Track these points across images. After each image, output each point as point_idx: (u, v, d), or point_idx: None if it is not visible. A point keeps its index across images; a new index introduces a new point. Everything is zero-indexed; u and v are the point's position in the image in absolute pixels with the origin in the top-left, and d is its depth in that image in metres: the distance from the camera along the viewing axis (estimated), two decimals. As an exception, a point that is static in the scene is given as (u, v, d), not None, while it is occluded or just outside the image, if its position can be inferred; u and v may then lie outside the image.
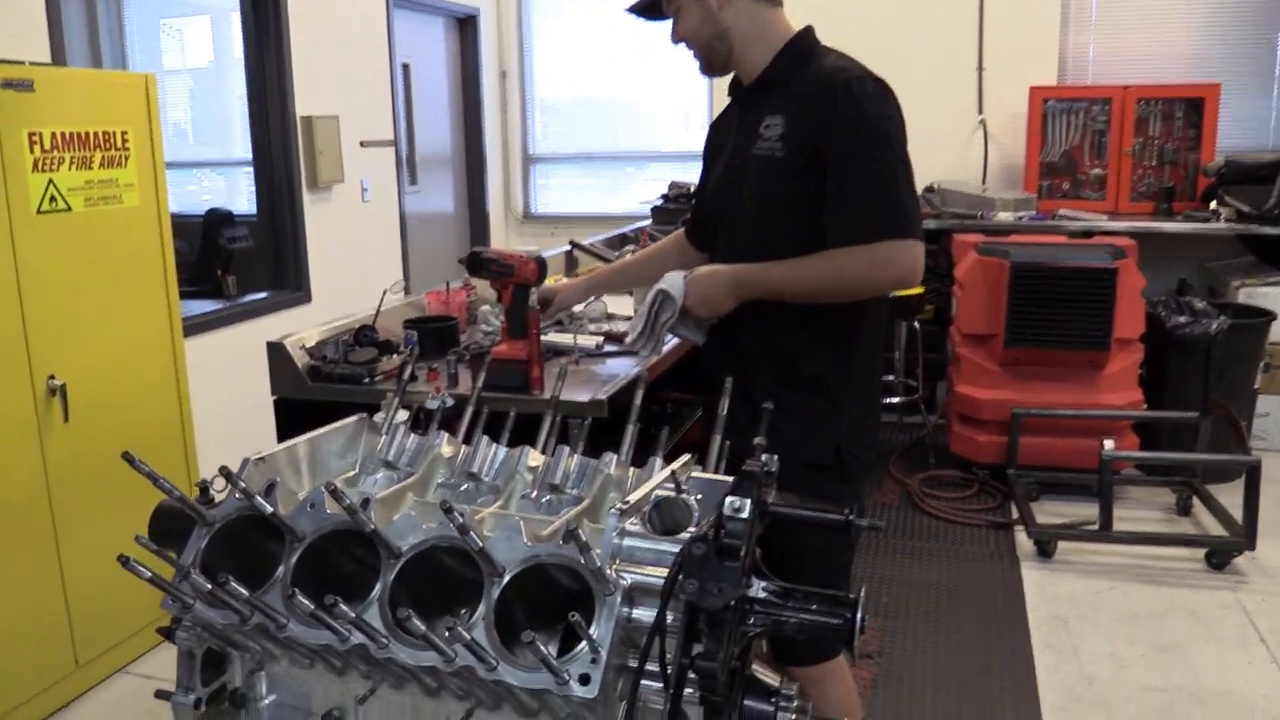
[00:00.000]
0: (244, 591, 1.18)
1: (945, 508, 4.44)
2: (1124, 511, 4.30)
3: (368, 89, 5.45)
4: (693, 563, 1.15)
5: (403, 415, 2.00)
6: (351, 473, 1.63)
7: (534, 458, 1.60)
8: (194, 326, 4.20)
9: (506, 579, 1.22)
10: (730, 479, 1.44)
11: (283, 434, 2.22)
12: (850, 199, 1.78)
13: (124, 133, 3.08)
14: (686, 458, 1.51)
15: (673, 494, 1.30)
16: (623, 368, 2.28)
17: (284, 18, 4.68)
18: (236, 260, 5.49)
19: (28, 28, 3.40)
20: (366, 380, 2.13)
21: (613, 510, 1.24)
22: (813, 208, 1.82)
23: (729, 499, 1.22)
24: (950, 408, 4.94)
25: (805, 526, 1.36)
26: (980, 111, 6.14)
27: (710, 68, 1.98)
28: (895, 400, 5.25)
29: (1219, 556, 3.87)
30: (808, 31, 1.95)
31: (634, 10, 2.02)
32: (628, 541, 1.25)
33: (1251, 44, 5.85)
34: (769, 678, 1.32)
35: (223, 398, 3.93)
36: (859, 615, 1.26)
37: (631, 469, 1.57)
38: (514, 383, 2.01)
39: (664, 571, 1.22)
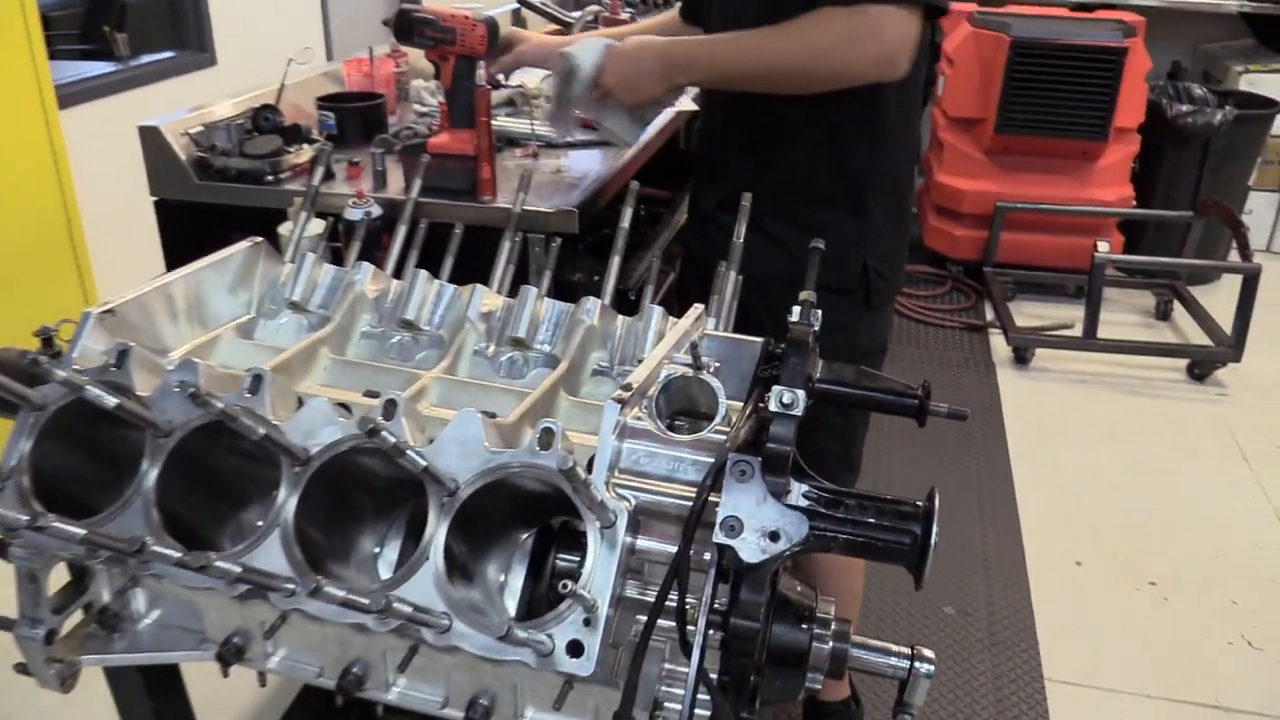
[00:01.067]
0: (76, 531, 0.80)
1: (916, 307, 4.16)
2: (1101, 315, 4.06)
3: None
4: (737, 489, 0.80)
5: (317, 227, 1.59)
6: (245, 317, 1.22)
7: (489, 299, 1.21)
8: (75, 95, 3.57)
9: (461, 499, 0.87)
10: (752, 339, 1.08)
11: (169, 246, 1.78)
12: None
13: None
14: (699, 310, 1.13)
15: (689, 370, 0.94)
16: (593, 164, 1.84)
17: None
18: (131, 14, 4.75)
19: None
20: (269, 178, 1.68)
21: (611, 398, 0.87)
22: None
23: (778, 390, 0.86)
24: (925, 198, 4.57)
25: (873, 408, 1.01)
26: None
27: None
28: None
29: (1202, 367, 3.68)
30: None
31: None
32: (631, 445, 0.90)
33: None
34: (800, 594, 1.00)
35: (118, 183, 3.39)
36: (932, 532, 0.95)
37: (620, 317, 1.20)
38: (457, 184, 1.58)
39: (680, 490, 0.87)
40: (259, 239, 1.25)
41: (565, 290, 1.31)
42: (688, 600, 0.84)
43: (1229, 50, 5.10)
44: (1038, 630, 2.42)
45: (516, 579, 0.98)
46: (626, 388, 0.91)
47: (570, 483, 0.83)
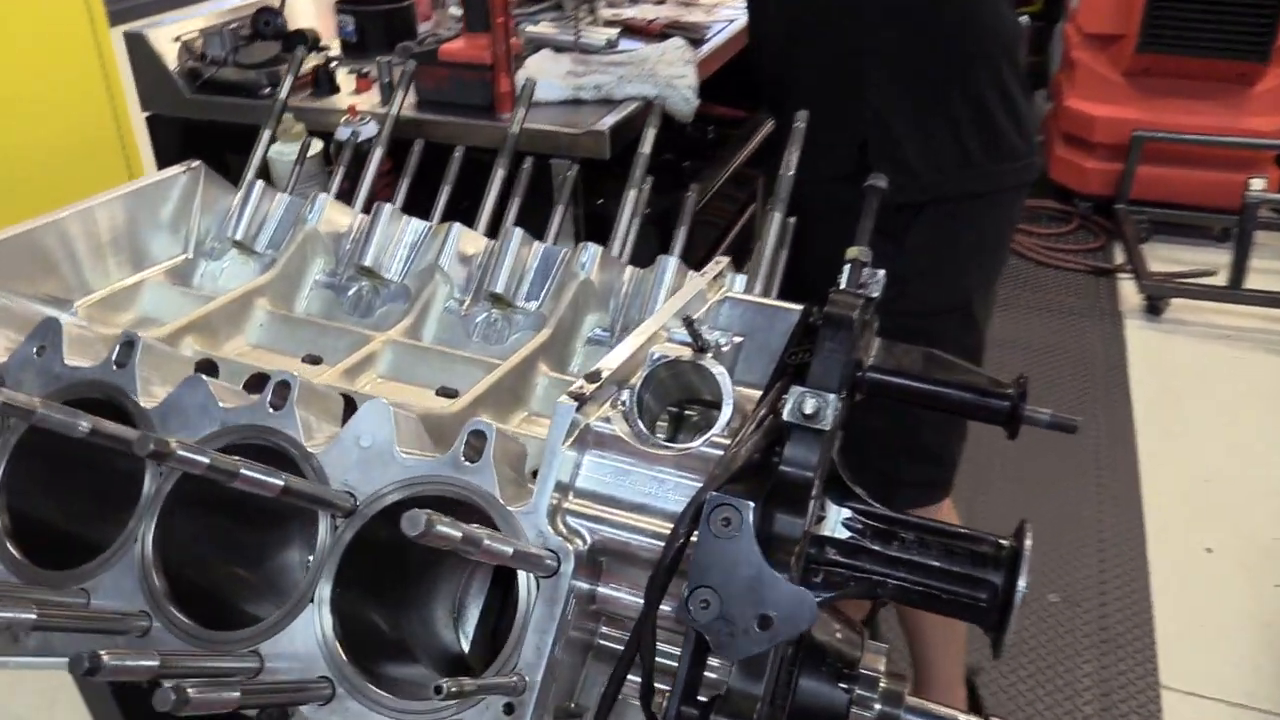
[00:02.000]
0: None
1: (1036, 246, 3.76)
2: (1252, 263, 3.60)
3: None
4: (711, 546, 0.55)
5: (316, 147, 1.37)
6: (180, 258, 1.01)
7: (470, 241, 0.97)
8: (125, 12, 3.43)
9: (360, 521, 0.64)
10: (789, 307, 0.81)
11: (165, 160, 1.58)
12: None
13: None
14: (722, 263, 0.86)
15: (687, 353, 0.68)
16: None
17: None
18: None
19: None
20: (265, 90, 1.45)
21: (564, 397, 0.63)
22: None
23: (799, 394, 0.60)
24: (1053, 124, 4.12)
25: (936, 409, 0.74)
26: None
27: None
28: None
29: (1372, 323, 3.21)
30: None
31: None
32: (596, 458, 0.65)
33: None
34: (840, 639, 0.74)
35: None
36: (1018, 585, 0.68)
37: (630, 270, 0.94)
38: (472, 99, 1.34)
39: (656, 526, 0.63)
40: (198, 163, 1.02)
41: (599, 228, 1.06)
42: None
43: None
44: (1156, 627, 2.11)
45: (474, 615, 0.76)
46: (593, 376, 0.66)
47: (496, 513, 0.59)
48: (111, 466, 0.70)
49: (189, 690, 0.48)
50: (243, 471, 0.56)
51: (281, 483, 0.58)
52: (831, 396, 0.61)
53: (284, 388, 0.68)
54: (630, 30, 1.77)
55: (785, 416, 0.60)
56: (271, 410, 0.68)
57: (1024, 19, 3.52)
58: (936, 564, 0.68)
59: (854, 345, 0.67)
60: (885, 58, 1.30)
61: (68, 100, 2.60)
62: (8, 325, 0.78)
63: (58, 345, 0.74)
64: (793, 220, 1.00)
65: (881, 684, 0.71)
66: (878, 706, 0.69)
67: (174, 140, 1.55)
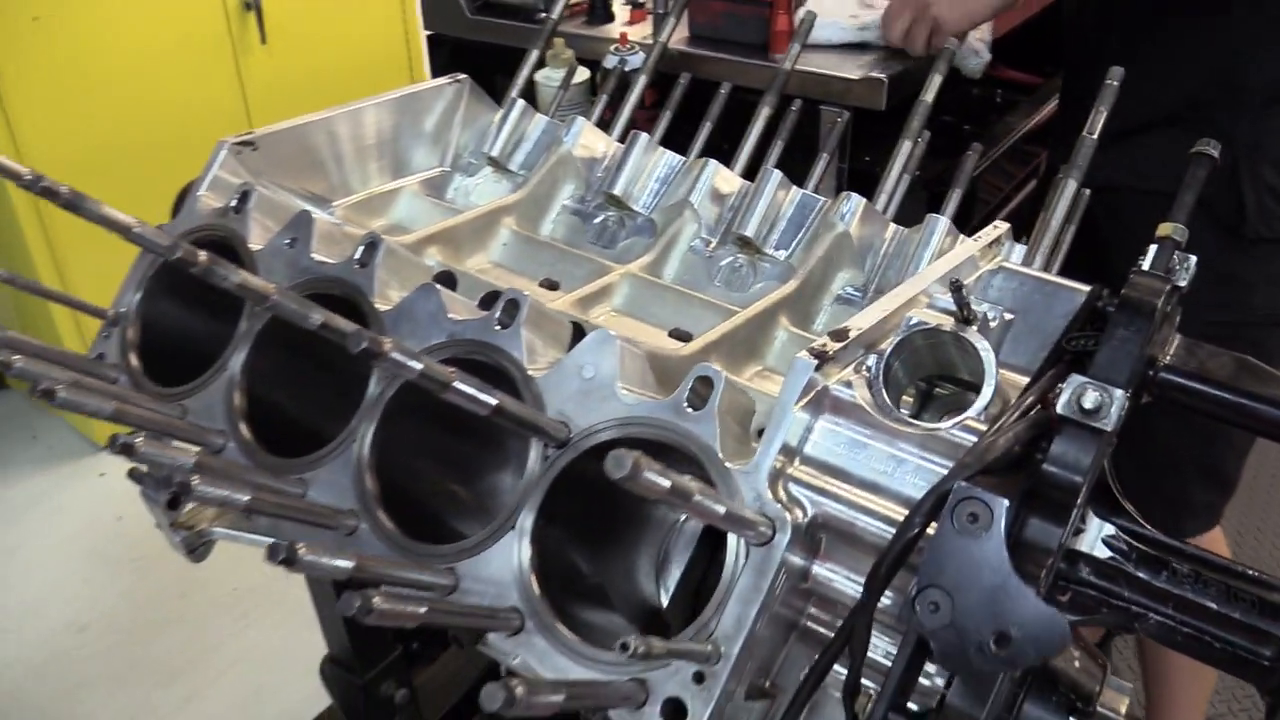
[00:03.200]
0: (152, 415, 0.64)
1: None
2: None
3: None
4: (951, 542, 0.47)
5: (582, 75, 1.36)
6: (435, 171, 1.01)
7: (724, 180, 0.91)
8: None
9: (569, 458, 0.61)
10: (1074, 286, 0.70)
11: (442, 82, 1.62)
12: None
13: None
14: (1001, 228, 0.76)
15: (949, 323, 0.60)
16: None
17: None
18: None
19: None
20: (541, 15, 1.45)
21: (803, 353, 0.57)
22: None
23: (1078, 383, 0.51)
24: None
25: (1239, 427, 0.63)
26: None
27: None
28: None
29: None
30: None
31: None
32: (831, 424, 0.58)
33: None
34: (1077, 668, 0.64)
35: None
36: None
37: (894, 228, 0.86)
38: (746, 36, 1.27)
39: (887, 509, 0.56)
40: (462, 76, 1.02)
41: (864, 186, 0.98)
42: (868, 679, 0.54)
43: None
44: None
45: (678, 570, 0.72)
46: (839, 334, 0.59)
47: (713, 468, 0.55)
48: (342, 365, 0.70)
49: (375, 599, 0.47)
50: (455, 385, 0.54)
51: (494, 402, 0.56)
52: (1118, 393, 0.52)
53: (513, 306, 0.66)
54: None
55: (1059, 409, 0.52)
56: (498, 328, 0.66)
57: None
58: (1213, 606, 0.58)
59: (1150, 337, 0.57)
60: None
61: (371, 20, 2.76)
62: (269, 216, 0.80)
63: (308, 239, 0.76)
64: (1086, 192, 0.88)
65: (1121, 729, 0.61)
66: (1113, 759, 0.60)
67: (450, 60, 1.59)
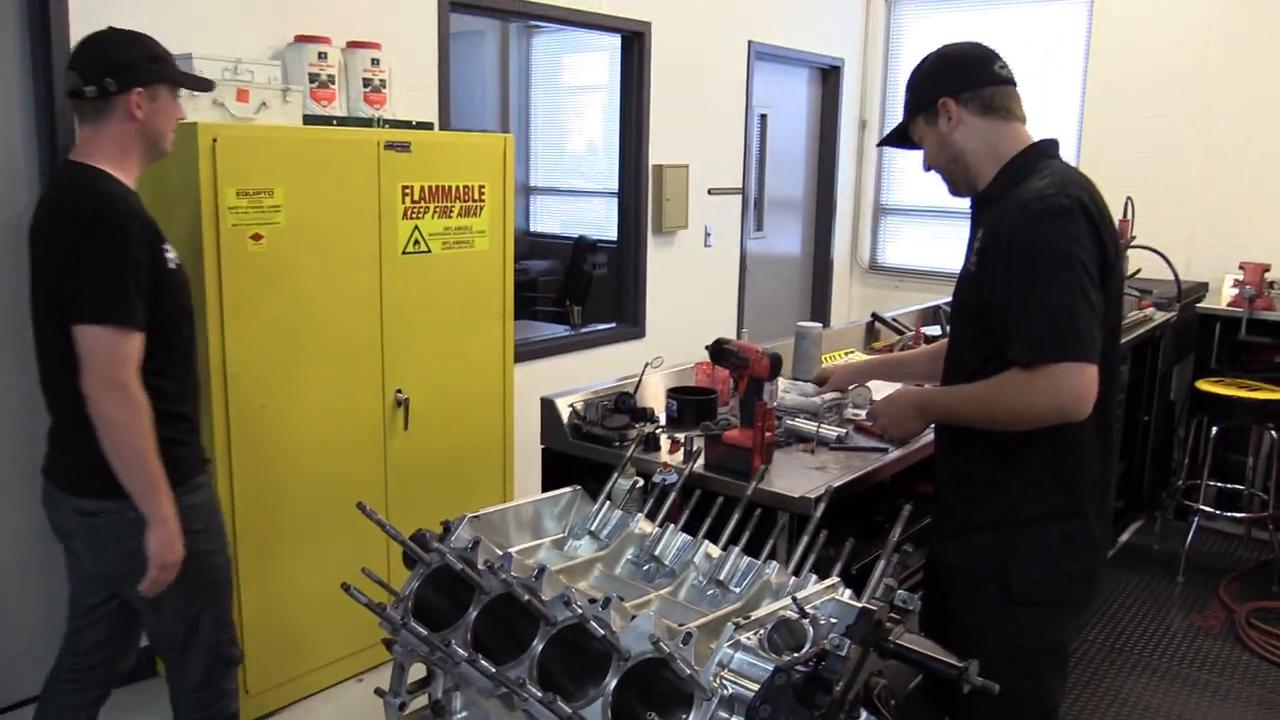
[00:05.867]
0: (421, 630, 1.46)
1: (1270, 647, 3.95)
2: None
3: (722, 137, 5.79)
4: (773, 691, 1.26)
5: (633, 482, 2.24)
6: (561, 535, 1.88)
7: (712, 550, 1.76)
8: (538, 352, 4.75)
9: (629, 664, 1.40)
10: (858, 606, 1.51)
11: (547, 475, 2.54)
12: (1018, 321, 1.79)
13: (481, 186, 3.59)
14: (835, 580, 1.59)
15: (794, 616, 1.41)
16: (860, 463, 2.34)
17: (646, 74, 5.12)
18: (594, 283, 6.09)
19: (425, 80, 4.04)
20: (616, 444, 2.39)
21: (731, 622, 1.38)
22: (995, 324, 1.86)
23: (832, 635, 1.32)
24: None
25: (920, 669, 1.41)
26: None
27: (955, 188, 2.03)
28: (1242, 515, 4.75)
29: None
30: (1039, 146, 1.95)
31: (887, 143, 2.13)
32: (739, 654, 1.39)
33: None
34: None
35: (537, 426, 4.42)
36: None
37: (793, 578, 1.69)
38: (736, 467, 2.17)
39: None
40: (578, 487, 1.92)
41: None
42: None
43: None
44: None
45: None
46: (745, 617, 1.41)
47: (683, 662, 1.35)
48: (518, 623, 1.52)
49: None
50: (592, 623, 1.36)
51: (601, 633, 1.37)
52: (847, 641, 1.31)
53: (606, 603, 1.48)
54: (860, 430, 2.57)
55: (826, 645, 1.31)
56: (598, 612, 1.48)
57: None
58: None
59: (871, 626, 1.37)
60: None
61: (480, 413, 3.76)
62: (485, 553, 1.65)
63: (509, 567, 1.60)
64: (896, 555, 1.71)
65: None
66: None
67: (555, 462, 2.51)
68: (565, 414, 2.50)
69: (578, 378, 4.79)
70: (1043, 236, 1.78)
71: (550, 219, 7.79)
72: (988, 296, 1.87)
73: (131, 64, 2.12)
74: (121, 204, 2.06)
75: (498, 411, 3.85)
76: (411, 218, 3.37)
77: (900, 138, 2.09)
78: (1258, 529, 4.87)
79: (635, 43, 5.09)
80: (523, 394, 3.95)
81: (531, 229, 7.75)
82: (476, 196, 3.58)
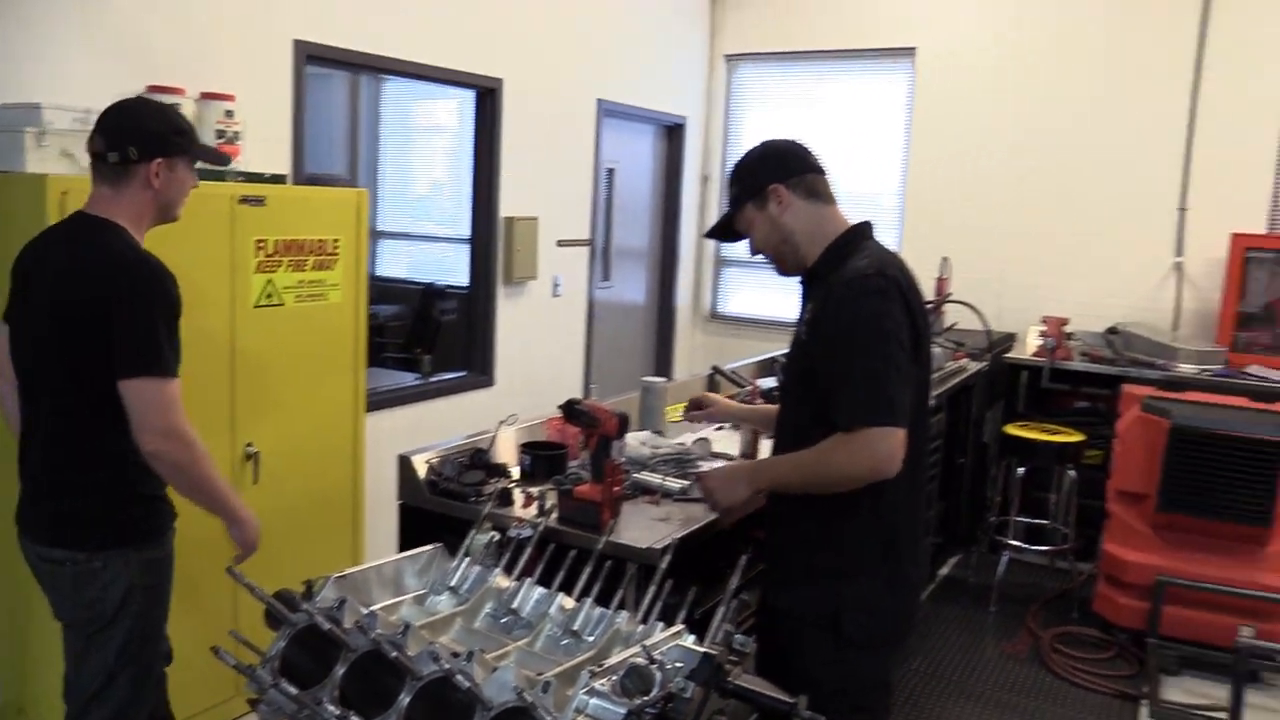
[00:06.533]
0: (291, 690, 1.53)
1: (1072, 668, 4.35)
2: (1270, 702, 4.09)
3: (572, 189, 5.97)
4: (624, 733, 1.40)
5: (488, 537, 2.34)
6: (422, 591, 1.97)
7: (567, 602, 1.89)
8: (387, 401, 4.77)
9: (492, 714, 1.51)
10: (700, 651, 1.67)
11: (404, 531, 2.61)
12: (839, 390, 2.03)
13: (335, 240, 3.64)
14: (680, 628, 1.75)
15: (644, 663, 1.55)
16: (695, 512, 2.52)
17: (498, 128, 5.26)
18: (444, 330, 6.13)
19: (279, 131, 4.06)
20: (472, 499, 2.49)
21: (586, 669, 1.51)
22: (820, 387, 2.08)
23: (678, 679, 1.47)
24: (1099, 564, 4.82)
25: (756, 706, 1.57)
26: (1178, 253, 5.97)
27: (784, 268, 2.24)
28: (1046, 549, 5.20)
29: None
30: (858, 228, 2.20)
31: (712, 235, 2.34)
32: (594, 700, 1.51)
33: None
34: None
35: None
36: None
37: (641, 625, 1.83)
38: (587, 521, 2.31)
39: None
40: (440, 544, 2.02)
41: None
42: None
43: None
44: None
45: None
46: (599, 665, 1.54)
47: (544, 709, 1.46)
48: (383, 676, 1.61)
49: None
50: (458, 679, 1.46)
51: (468, 685, 1.47)
52: (691, 683, 1.46)
53: (470, 656, 1.58)
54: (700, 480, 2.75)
55: (672, 688, 1.46)
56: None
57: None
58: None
59: (713, 669, 1.53)
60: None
61: (326, 466, 3.77)
62: (351, 612, 1.73)
63: (375, 624, 1.68)
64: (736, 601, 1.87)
65: None
66: None
67: (412, 518, 2.58)
68: (422, 470, 2.58)
69: (428, 427, 4.85)
70: (861, 313, 2.01)
71: (397, 264, 7.78)
72: (815, 363, 2.09)
73: (156, 136, 2.26)
74: (157, 262, 2.22)
75: (349, 464, 3.87)
76: (265, 271, 3.38)
77: (724, 230, 2.29)
78: (1060, 560, 5.32)
79: (488, 98, 5.23)
80: (374, 443, 3.99)
81: (378, 273, 7.72)
82: (330, 250, 3.62)
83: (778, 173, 2.18)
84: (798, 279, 2.25)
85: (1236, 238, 5.60)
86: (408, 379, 5.32)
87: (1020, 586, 5.18)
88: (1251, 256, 5.62)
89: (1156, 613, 4.36)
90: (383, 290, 7.46)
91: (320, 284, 3.61)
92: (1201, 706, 4.00)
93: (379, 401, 4.66)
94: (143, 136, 2.23)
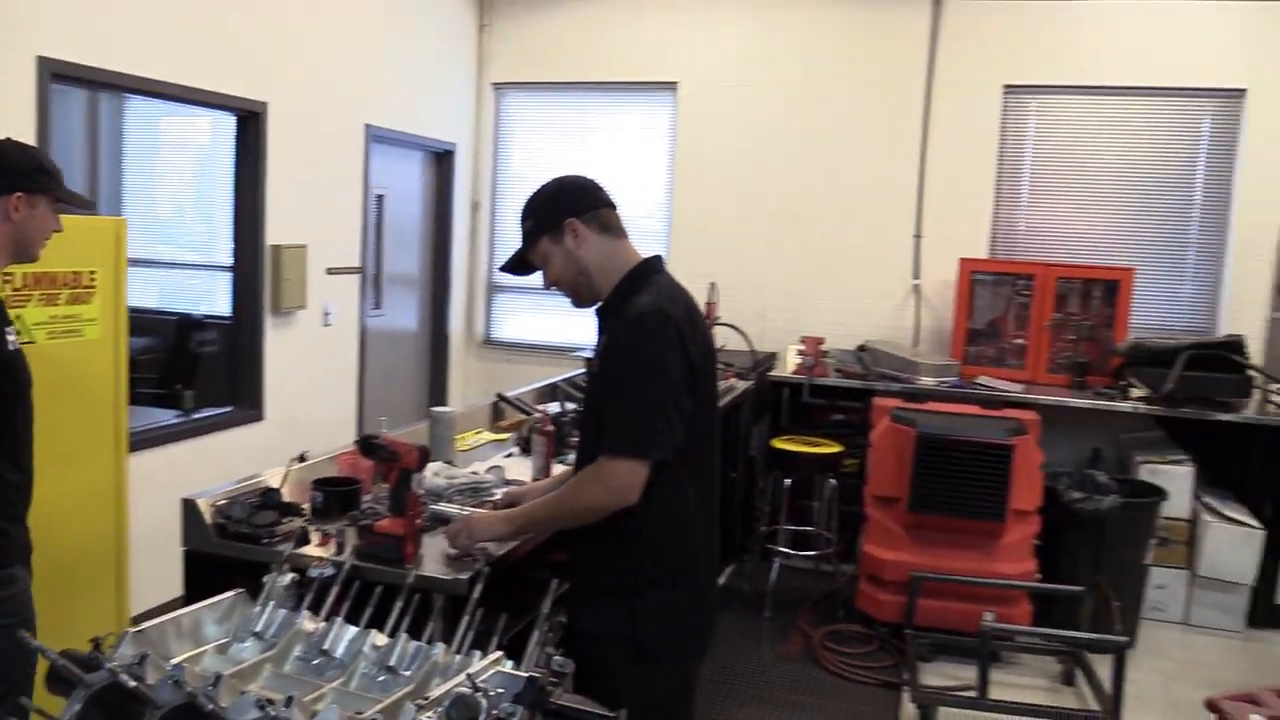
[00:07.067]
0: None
1: (840, 663, 4.67)
2: (1010, 678, 4.55)
3: (341, 216, 5.83)
4: (459, 761, 1.42)
5: (288, 579, 2.27)
6: (225, 640, 1.90)
7: (379, 639, 1.88)
8: (147, 441, 4.47)
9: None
10: (519, 676, 1.71)
11: (190, 579, 2.48)
12: (609, 420, 2.15)
13: (91, 273, 3.40)
14: (498, 654, 1.78)
15: (468, 691, 1.57)
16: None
17: (263, 153, 5.07)
18: (203, 363, 5.79)
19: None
20: (265, 541, 2.40)
21: (410, 703, 1.52)
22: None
23: (503, 704, 1.50)
24: (860, 564, 5.21)
25: (580, 724, 1.63)
26: (916, 276, 6.55)
27: (580, 300, 2.32)
28: (812, 554, 5.55)
29: (1086, 731, 4.10)
30: (648, 262, 2.32)
31: (506, 269, 2.39)
32: (414, 733, 1.52)
33: (1162, 232, 6.28)
34: None
35: (170, 509, 4.17)
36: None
37: (458, 656, 1.85)
38: (390, 555, 2.29)
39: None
40: (242, 590, 1.95)
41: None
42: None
43: (1140, 440, 5.85)
44: None
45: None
46: (425, 698, 1.55)
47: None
48: None
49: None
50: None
51: (291, 734, 1.45)
52: (519, 707, 1.50)
53: (289, 703, 1.55)
54: (497, 508, 2.78)
55: (498, 713, 1.49)
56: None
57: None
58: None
59: (538, 692, 1.57)
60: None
61: (83, 512, 3.49)
62: (154, 667, 1.65)
63: (182, 678, 1.61)
64: (550, 629, 1.93)
65: None
66: None
67: (199, 564, 2.46)
68: (208, 513, 2.47)
69: (193, 466, 4.59)
70: (639, 346, 2.12)
71: (147, 293, 7.29)
72: (601, 395, 2.18)
73: (18, 171, 2.35)
74: None
75: (111, 510, 3.61)
76: (14, 307, 3.11)
77: (518, 264, 2.35)
78: (825, 564, 5.70)
79: (252, 121, 5.03)
80: (137, 487, 3.74)
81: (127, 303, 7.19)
82: (86, 283, 3.39)
83: (573, 207, 2.26)
84: (593, 311, 2.33)
85: (964, 262, 6.23)
86: (167, 416, 5.00)
87: (791, 590, 5.50)
88: (977, 279, 6.27)
89: (912, 606, 4.75)
90: (133, 322, 6.97)
91: (76, 319, 3.36)
92: (954, 688, 4.40)
93: (140, 441, 4.35)
94: (4, 170, 2.32)
